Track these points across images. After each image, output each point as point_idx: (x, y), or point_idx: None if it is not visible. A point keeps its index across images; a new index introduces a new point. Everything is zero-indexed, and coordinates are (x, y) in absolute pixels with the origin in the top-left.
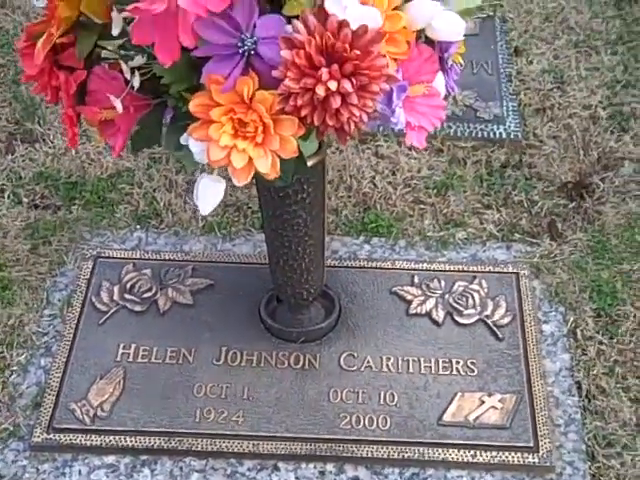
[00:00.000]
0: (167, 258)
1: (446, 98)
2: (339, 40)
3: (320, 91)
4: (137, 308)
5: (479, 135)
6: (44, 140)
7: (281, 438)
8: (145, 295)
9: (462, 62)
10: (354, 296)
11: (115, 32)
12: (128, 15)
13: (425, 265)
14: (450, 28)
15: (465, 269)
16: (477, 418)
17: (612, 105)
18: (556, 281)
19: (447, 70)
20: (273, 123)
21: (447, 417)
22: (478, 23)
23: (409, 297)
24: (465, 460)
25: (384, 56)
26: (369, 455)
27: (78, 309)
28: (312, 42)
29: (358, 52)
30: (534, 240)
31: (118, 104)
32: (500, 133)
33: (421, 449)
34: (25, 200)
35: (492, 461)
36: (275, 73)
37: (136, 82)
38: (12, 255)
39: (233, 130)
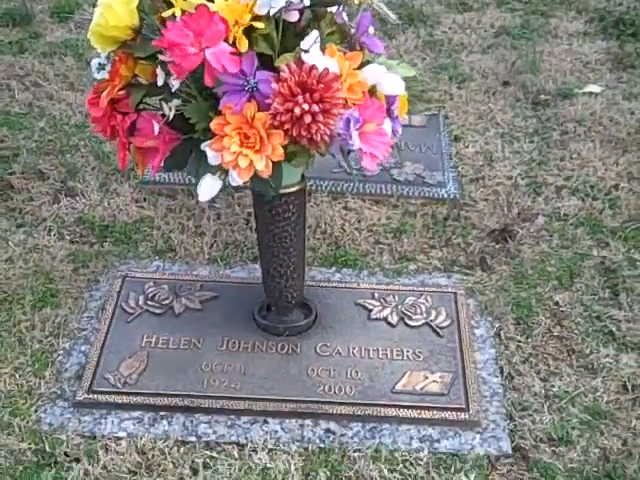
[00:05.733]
0: (180, 278)
1: (393, 137)
2: (310, 78)
3: (297, 111)
4: (157, 311)
5: (426, 195)
6: (83, 195)
7: (270, 400)
8: (164, 302)
9: (406, 117)
10: (327, 306)
11: (160, 82)
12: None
13: (383, 286)
14: (393, 86)
15: (414, 289)
16: (422, 388)
17: (529, 177)
18: (485, 299)
19: (393, 118)
20: (267, 135)
21: (399, 387)
22: (426, 119)
23: (370, 307)
24: (413, 417)
25: (339, 89)
26: (338, 412)
27: (110, 312)
28: (292, 79)
29: (323, 86)
30: (469, 271)
31: (156, 127)
32: (443, 194)
33: (378, 409)
34: (67, 238)
35: (433, 417)
36: (267, 101)
37: (171, 114)
38: (59, 273)
39: (240, 141)
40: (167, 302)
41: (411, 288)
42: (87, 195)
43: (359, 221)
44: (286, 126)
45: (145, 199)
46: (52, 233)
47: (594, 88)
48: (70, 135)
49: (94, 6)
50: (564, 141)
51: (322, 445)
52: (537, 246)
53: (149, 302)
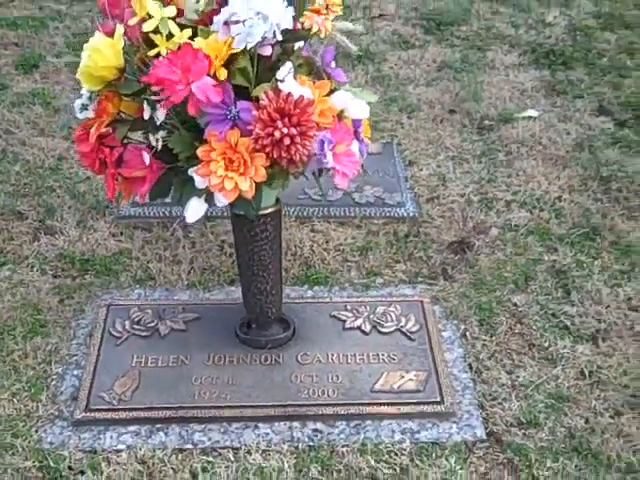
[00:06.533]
0: (162, 303)
1: (360, 157)
2: (287, 104)
3: (277, 134)
4: (144, 334)
5: (387, 215)
6: (62, 232)
7: (259, 406)
8: (149, 325)
9: (370, 140)
10: (304, 320)
11: (146, 116)
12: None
13: (354, 299)
14: (359, 110)
15: (384, 299)
16: (400, 386)
17: (480, 194)
18: (450, 305)
19: (360, 140)
20: (250, 159)
21: (377, 386)
22: (381, 146)
23: (344, 317)
24: (393, 412)
25: (312, 113)
26: (324, 413)
27: (99, 337)
28: (271, 105)
29: (299, 111)
30: (432, 281)
31: (147, 157)
32: (402, 213)
33: (361, 407)
34: (50, 272)
35: (412, 411)
36: (249, 127)
37: (159, 145)
38: (46, 305)
39: (225, 165)
40: (152, 325)
41: (380, 299)
42: (66, 232)
43: (326, 242)
44: (267, 149)
45: (122, 233)
46: (35, 269)
47: (532, 112)
48: (45, 177)
49: (57, 57)
50: (509, 160)
51: (311, 443)
52: (493, 255)
53: (135, 326)
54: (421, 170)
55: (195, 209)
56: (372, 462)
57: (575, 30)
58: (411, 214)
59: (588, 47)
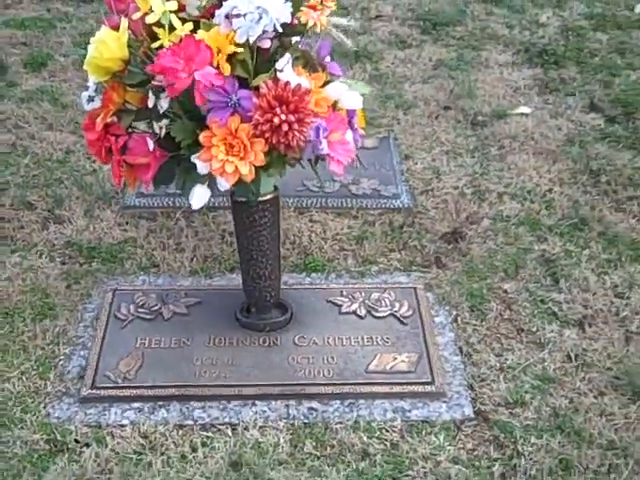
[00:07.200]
0: (166, 288)
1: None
2: (285, 92)
3: (276, 121)
4: (148, 317)
5: (383, 206)
6: (70, 221)
7: (257, 385)
8: (153, 309)
9: (364, 130)
10: (301, 305)
11: (150, 104)
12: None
13: (350, 285)
14: (352, 101)
15: (378, 286)
16: (392, 367)
17: (473, 186)
18: (442, 292)
19: (354, 129)
20: (250, 144)
21: (371, 367)
22: (378, 141)
23: (340, 303)
24: (385, 392)
25: (309, 102)
26: (319, 392)
27: (105, 320)
28: (270, 93)
29: (297, 98)
30: (426, 269)
31: (150, 143)
32: (397, 205)
33: (354, 387)
34: (58, 259)
35: (404, 391)
36: (249, 114)
37: (162, 132)
38: (54, 289)
39: (226, 150)
40: (156, 309)
41: (375, 286)
42: (74, 221)
43: (324, 231)
44: (266, 135)
45: (127, 222)
46: (44, 256)
47: (525, 109)
48: (53, 170)
49: (65, 56)
50: (502, 155)
51: (306, 421)
52: (485, 244)
53: (140, 309)
54: (416, 164)
55: (199, 195)
56: (364, 438)
57: (568, 30)
58: (406, 205)
59: (580, 46)
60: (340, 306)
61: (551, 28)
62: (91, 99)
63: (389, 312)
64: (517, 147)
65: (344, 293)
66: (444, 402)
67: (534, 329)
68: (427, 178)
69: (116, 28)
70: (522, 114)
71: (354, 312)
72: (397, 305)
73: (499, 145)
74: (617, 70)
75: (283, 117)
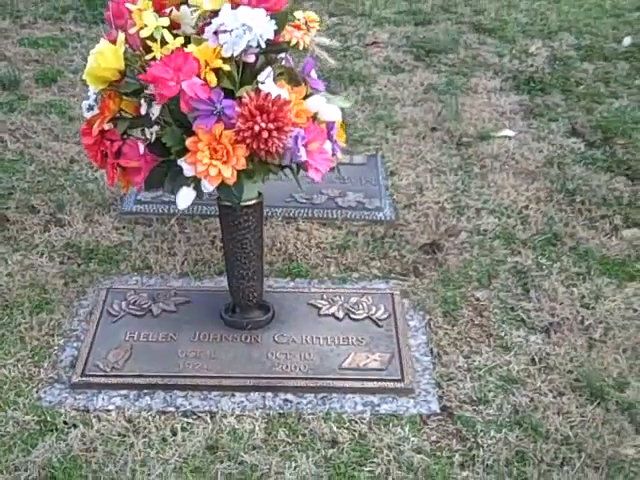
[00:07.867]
0: (157, 288)
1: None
2: (266, 102)
3: (256, 128)
4: (138, 313)
5: (366, 218)
6: (70, 225)
7: (236, 377)
8: (143, 306)
9: (344, 143)
10: (283, 306)
11: (143, 112)
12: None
13: (331, 290)
14: (331, 114)
15: (357, 291)
16: (365, 365)
17: (454, 202)
18: (418, 298)
19: (333, 140)
20: (232, 149)
21: (345, 365)
22: (366, 158)
23: (320, 305)
24: (357, 387)
25: (289, 111)
26: (294, 385)
27: (98, 315)
28: (252, 103)
29: (276, 108)
30: (404, 277)
31: (141, 147)
32: (380, 217)
33: (328, 382)
34: (57, 259)
35: (374, 387)
36: (232, 121)
37: (153, 137)
38: (52, 286)
39: (210, 155)
40: (146, 306)
41: (355, 291)
42: (74, 225)
43: (309, 240)
44: (247, 141)
45: (124, 227)
46: (44, 256)
47: (508, 132)
48: (57, 177)
49: (74, 73)
50: (483, 174)
51: (281, 411)
52: (461, 255)
53: (131, 306)
54: (401, 180)
55: (184, 197)
56: (334, 428)
57: (556, 60)
58: (388, 218)
59: (567, 75)
60: (320, 308)
61: (540, 58)
62: (91, 107)
63: (366, 315)
64: (498, 167)
65: (324, 297)
66: (412, 398)
67: (502, 334)
68: (410, 193)
69: (114, 41)
70: (506, 137)
71: (332, 314)
72: (374, 309)
73: (481, 164)
74: (600, 98)
75: (263, 125)
